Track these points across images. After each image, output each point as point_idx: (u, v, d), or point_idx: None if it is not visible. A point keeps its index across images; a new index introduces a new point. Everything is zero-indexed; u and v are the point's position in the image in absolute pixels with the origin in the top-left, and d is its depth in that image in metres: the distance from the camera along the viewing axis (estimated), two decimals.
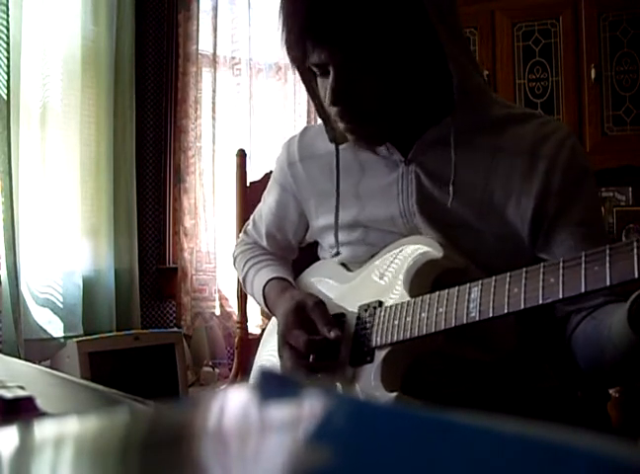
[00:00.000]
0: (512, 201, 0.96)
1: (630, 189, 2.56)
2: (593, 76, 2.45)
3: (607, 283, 0.69)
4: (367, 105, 0.93)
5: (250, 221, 1.33)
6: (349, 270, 1.11)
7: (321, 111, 1.03)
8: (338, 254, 1.09)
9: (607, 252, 0.70)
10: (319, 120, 1.06)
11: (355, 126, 0.96)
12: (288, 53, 0.94)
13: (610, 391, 1.31)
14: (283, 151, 1.18)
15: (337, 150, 1.05)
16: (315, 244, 1.21)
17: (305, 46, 0.91)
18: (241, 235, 1.35)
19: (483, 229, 0.97)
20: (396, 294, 0.97)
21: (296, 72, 1.02)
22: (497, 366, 0.98)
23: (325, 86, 0.94)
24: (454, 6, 0.94)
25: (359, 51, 0.88)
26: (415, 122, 0.98)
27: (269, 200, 1.24)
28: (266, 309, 1.19)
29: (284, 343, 1.00)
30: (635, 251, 0.67)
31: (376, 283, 1.02)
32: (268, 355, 1.15)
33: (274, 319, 1.22)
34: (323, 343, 0.97)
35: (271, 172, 1.26)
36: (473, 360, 0.97)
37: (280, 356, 1.02)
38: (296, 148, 1.15)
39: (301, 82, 1.04)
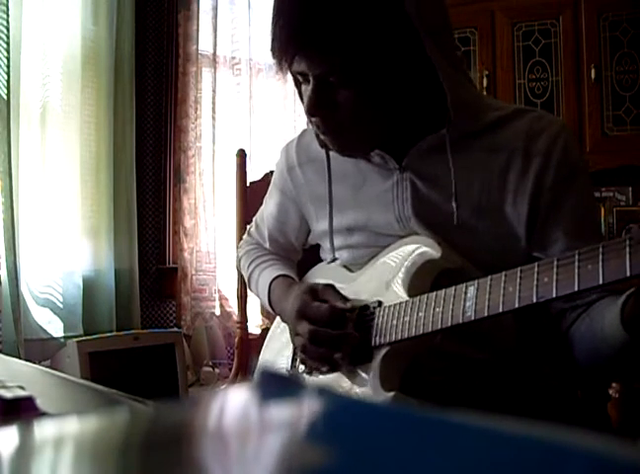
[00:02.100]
0: (508, 200, 0.96)
1: (630, 189, 2.56)
2: (593, 76, 2.45)
3: (600, 282, 0.70)
4: (342, 117, 0.93)
5: (252, 224, 1.33)
6: (350, 271, 1.11)
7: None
8: (335, 260, 1.10)
9: (601, 250, 0.71)
10: None
11: (332, 138, 0.97)
12: (273, 59, 0.94)
13: (610, 391, 1.31)
14: (282, 156, 1.19)
15: (327, 156, 1.05)
16: (318, 246, 1.21)
17: (289, 54, 0.91)
18: (245, 237, 1.36)
19: (480, 229, 0.97)
20: (395, 294, 0.97)
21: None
22: (496, 366, 0.98)
23: (306, 94, 0.94)
24: (446, 18, 0.94)
25: (338, 63, 0.88)
26: (407, 132, 0.98)
27: (270, 205, 1.24)
28: (269, 308, 1.20)
29: (301, 318, 1.00)
30: (627, 249, 0.68)
31: (376, 284, 1.02)
32: (277, 355, 1.15)
33: (277, 322, 1.22)
34: (341, 310, 0.98)
35: (270, 172, 1.26)
36: (472, 359, 0.97)
37: (297, 334, 1.02)
38: (294, 153, 1.15)
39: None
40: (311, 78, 0.91)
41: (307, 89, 0.93)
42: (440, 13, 0.93)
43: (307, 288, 1.03)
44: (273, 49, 0.92)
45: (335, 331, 0.97)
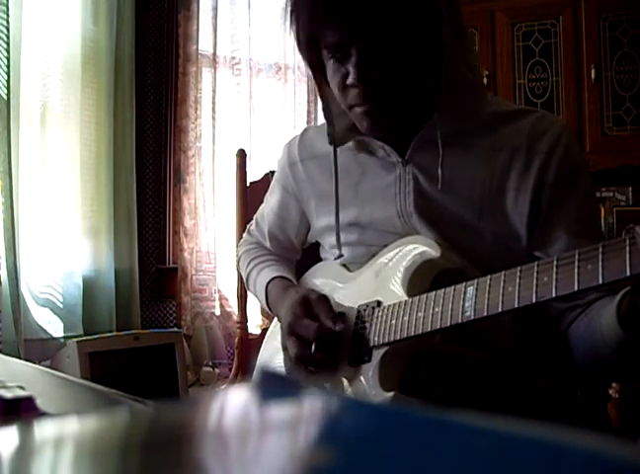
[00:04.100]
0: (509, 198, 0.96)
1: (630, 189, 2.56)
2: (593, 76, 2.45)
3: (600, 282, 0.70)
4: (387, 85, 0.93)
5: (253, 222, 1.33)
6: (349, 270, 1.11)
7: (328, 112, 1.03)
8: (341, 256, 1.09)
9: (600, 250, 0.71)
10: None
11: (372, 108, 0.95)
12: (303, 34, 0.94)
13: (610, 391, 1.31)
14: (284, 152, 1.18)
15: (335, 152, 1.05)
16: (317, 245, 1.21)
17: (325, 28, 0.91)
18: (245, 235, 1.36)
19: (481, 227, 0.97)
20: (395, 294, 0.97)
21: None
22: (495, 365, 0.98)
23: (340, 71, 0.94)
24: (458, 4, 0.95)
25: (380, 31, 0.89)
26: (410, 121, 0.98)
27: (271, 202, 1.24)
28: (267, 308, 1.20)
29: (291, 334, 0.99)
30: (627, 249, 0.68)
31: (375, 284, 1.02)
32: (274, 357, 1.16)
33: (275, 322, 1.22)
34: (331, 333, 0.96)
35: (270, 172, 1.26)
36: (471, 360, 0.97)
37: (285, 348, 1.02)
38: (297, 149, 1.15)
39: (312, 79, 1.04)
40: (354, 48, 0.91)
41: (342, 66, 0.93)
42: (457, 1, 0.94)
43: (300, 299, 1.01)
44: (307, 23, 0.92)
45: (320, 355, 0.96)
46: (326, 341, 0.96)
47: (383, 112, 0.96)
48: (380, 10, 0.88)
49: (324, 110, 1.03)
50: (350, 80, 0.92)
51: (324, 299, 1.01)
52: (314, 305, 1.00)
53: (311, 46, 0.95)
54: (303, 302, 1.00)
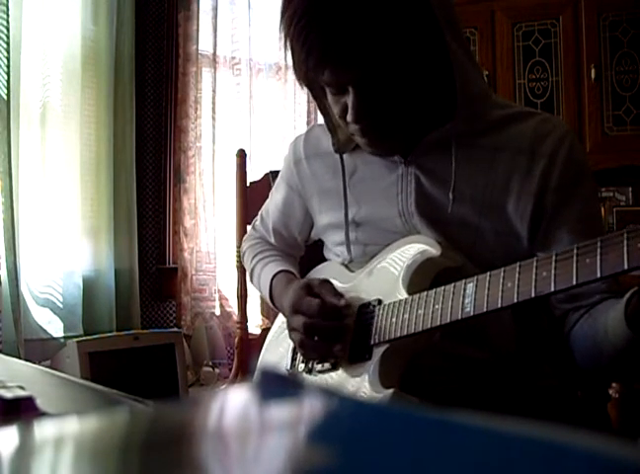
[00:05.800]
0: (511, 200, 0.96)
1: (630, 189, 2.56)
2: (593, 76, 2.45)
3: (599, 275, 0.70)
4: (388, 119, 0.94)
5: (258, 217, 1.35)
6: (350, 270, 1.11)
7: (330, 123, 1.04)
8: (351, 261, 1.10)
9: (599, 244, 0.71)
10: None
11: (375, 141, 0.97)
12: (302, 75, 0.94)
13: (610, 391, 1.31)
14: (290, 150, 1.20)
15: (342, 160, 1.05)
16: (320, 243, 1.21)
17: (320, 69, 0.90)
18: (249, 230, 1.37)
19: (482, 227, 0.97)
20: (395, 293, 0.97)
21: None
22: (496, 365, 0.98)
23: (340, 103, 0.94)
24: (454, 9, 0.95)
25: (377, 70, 0.89)
26: (417, 126, 0.99)
27: (276, 198, 1.25)
28: (270, 303, 1.21)
29: (295, 312, 1.01)
30: (625, 242, 0.68)
31: (376, 283, 1.03)
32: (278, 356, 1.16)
33: (277, 323, 1.23)
34: (333, 306, 0.99)
35: (270, 172, 1.27)
36: (472, 359, 0.97)
37: (291, 329, 1.03)
38: (302, 146, 1.16)
39: (311, 97, 1.04)
40: (351, 88, 0.90)
41: (341, 97, 0.93)
42: (452, 4, 0.94)
43: (303, 284, 1.05)
44: (305, 68, 0.91)
45: (328, 322, 0.98)
46: (330, 312, 0.99)
47: (385, 142, 0.97)
48: (375, 51, 0.87)
49: (327, 123, 1.04)
50: (349, 117, 0.93)
51: (326, 282, 1.04)
52: (316, 287, 1.03)
53: (307, 77, 0.95)
54: (306, 286, 1.04)
